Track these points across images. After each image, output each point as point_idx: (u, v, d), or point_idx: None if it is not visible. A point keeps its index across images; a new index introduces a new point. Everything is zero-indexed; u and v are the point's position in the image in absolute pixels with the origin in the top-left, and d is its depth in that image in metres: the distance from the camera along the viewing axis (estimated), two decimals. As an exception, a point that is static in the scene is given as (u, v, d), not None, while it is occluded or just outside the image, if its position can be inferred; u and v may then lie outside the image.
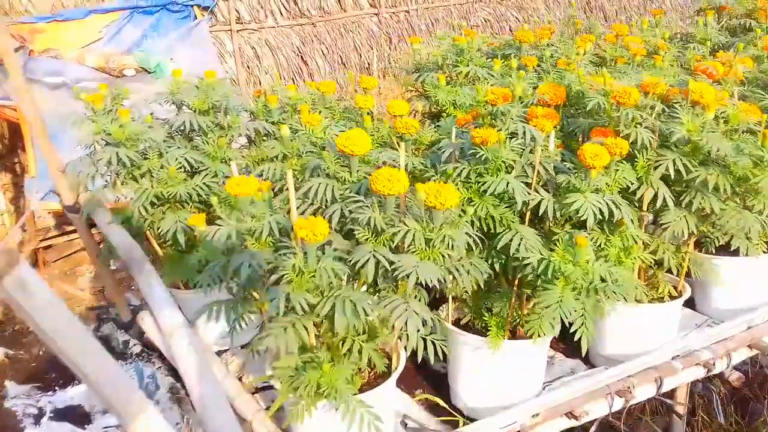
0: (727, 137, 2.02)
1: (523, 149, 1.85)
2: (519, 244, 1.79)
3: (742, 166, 1.98)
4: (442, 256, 1.56)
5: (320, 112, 2.56)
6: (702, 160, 2.07)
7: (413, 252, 1.54)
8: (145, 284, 1.70)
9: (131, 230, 2.08)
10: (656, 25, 3.76)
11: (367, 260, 1.49)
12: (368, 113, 2.48)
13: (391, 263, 1.51)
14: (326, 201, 1.67)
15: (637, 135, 1.96)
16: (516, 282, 2.00)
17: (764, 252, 2.45)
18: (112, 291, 2.54)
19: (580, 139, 2.27)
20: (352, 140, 1.65)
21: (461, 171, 1.82)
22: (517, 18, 9.43)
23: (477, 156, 1.78)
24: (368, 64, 7.68)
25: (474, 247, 1.72)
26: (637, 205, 2.12)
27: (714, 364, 2.34)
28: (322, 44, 7.45)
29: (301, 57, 7.33)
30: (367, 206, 1.58)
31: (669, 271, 2.33)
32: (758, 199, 2.13)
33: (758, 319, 2.54)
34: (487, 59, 3.01)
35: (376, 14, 7.74)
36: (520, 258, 1.78)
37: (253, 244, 1.57)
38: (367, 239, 1.56)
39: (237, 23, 7.08)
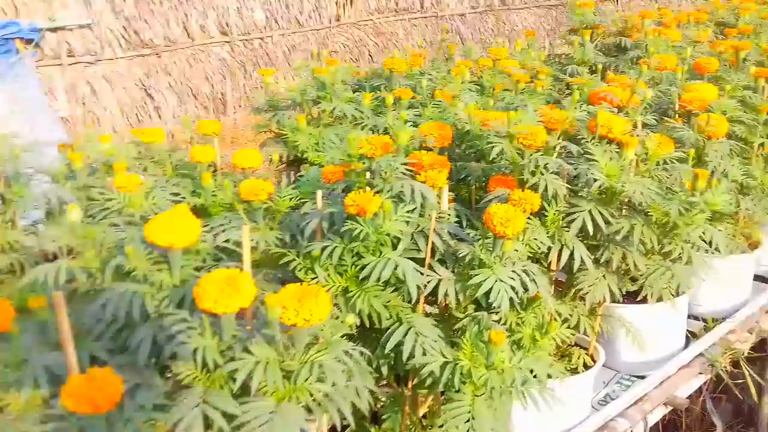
0: (650, 179, 1.68)
1: (412, 216, 1.39)
2: (414, 345, 1.33)
3: (665, 212, 1.65)
4: (310, 393, 1.05)
5: (146, 169, 1.98)
6: (618, 207, 1.73)
7: (267, 393, 1.03)
8: None
9: None
10: (529, 47, 3.50)
11: (193, 419, 0.95)
12: (211, 167, 1.95)
13: (232, 418, 0.98)
14: (133, 319, 1.11)
15: (546, 184, 1.57)
16: (410, 383, 1.54)
17: (673, 295, 2.14)
18: None
19: (474, 187, 1.87)
20: (169, 226, 1.11)
21: (332, 252, 1.33)
22: (376, 43, 9.19)
23: (353, 232, 1.30)
24: (222, 94, 7.07)
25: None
26: (546, 266, 1.74)
27: (632, 433, 2.04)
28: (169, 76, 6.76)
29: (146, 90, 6.60)
30: (194, 327, 1.05)
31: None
32: (677, 244, 1.80)
33: (670, 370, 2.26)
34: (353, 91, 2.57)
35: (227, 42, 7.15)
36: (416, 365, 1.32)
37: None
38: (195, 379, 1.03)
39: (69, 57, 6.25)
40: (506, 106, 2.51)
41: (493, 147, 1.55)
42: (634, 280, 1.94)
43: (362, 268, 1.32)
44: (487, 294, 1.35)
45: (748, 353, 2.40)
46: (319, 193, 1.44)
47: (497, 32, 10.94)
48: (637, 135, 1.95)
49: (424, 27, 9.92)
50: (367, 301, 1.32)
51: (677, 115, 2.24)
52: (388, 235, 1.33)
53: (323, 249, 1.34)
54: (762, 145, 2.23)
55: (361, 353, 1.13)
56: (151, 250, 1.18)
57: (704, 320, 2.50)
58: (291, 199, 1.56)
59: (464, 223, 1.63)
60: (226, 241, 1.31)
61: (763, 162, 2.20)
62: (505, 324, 1.51)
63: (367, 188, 1.44)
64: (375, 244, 1.33)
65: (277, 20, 7.68)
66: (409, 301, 1.42)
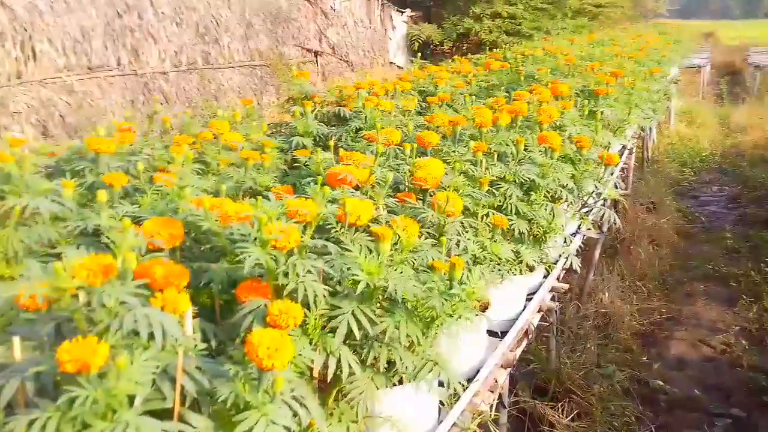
0: (406, 266, 1.60)
1: (151, 364, 1.08)
2: None
3: (430, 306, 1.57)
4: None
5: None
6: (378, 301, 1.61)
7: None
8: None
9: None
10: (248, 116, 3.34)
11: None
12: None
13: None
14: None
15: (305, 289, 1.37)
16: None
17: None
18: None
19: (217, 289, 1.60)
20: None
21: (44, 425, 0.96)
22: (68, 103, 8.31)
23: (73, 399, 0.95)
24: None
25: None
26: (310, 376, 1.54)
27: None
28: None
29: None
30: None
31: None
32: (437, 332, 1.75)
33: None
34: (49, 175, 2.12)
35: None
36: None
37: None
38: None
39: None
40: (236, 186, 2.30)
41: (245, 257, 1.31)
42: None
43: (90, 444, 0.97)
44: (258, 444, 1.10)
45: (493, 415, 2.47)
46: (17, 341, 1.06)
47: (203, 91, 10.70)
48: (383, 217, 1.88)
49: (123, 85, 9.29)
50: (99, 489, 0.97)
51: (410, 191, 2.24)
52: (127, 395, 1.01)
53: (31, 424, 0.96)
54: (486, 215, 2.33)
55: None
56: None
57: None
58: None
59: (212, 343, 1.37)
60: None
61: (490, 232, 2.30)
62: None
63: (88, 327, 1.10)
64: (105, 410, 0.99)
65: (-63, 77, 6.50)
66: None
